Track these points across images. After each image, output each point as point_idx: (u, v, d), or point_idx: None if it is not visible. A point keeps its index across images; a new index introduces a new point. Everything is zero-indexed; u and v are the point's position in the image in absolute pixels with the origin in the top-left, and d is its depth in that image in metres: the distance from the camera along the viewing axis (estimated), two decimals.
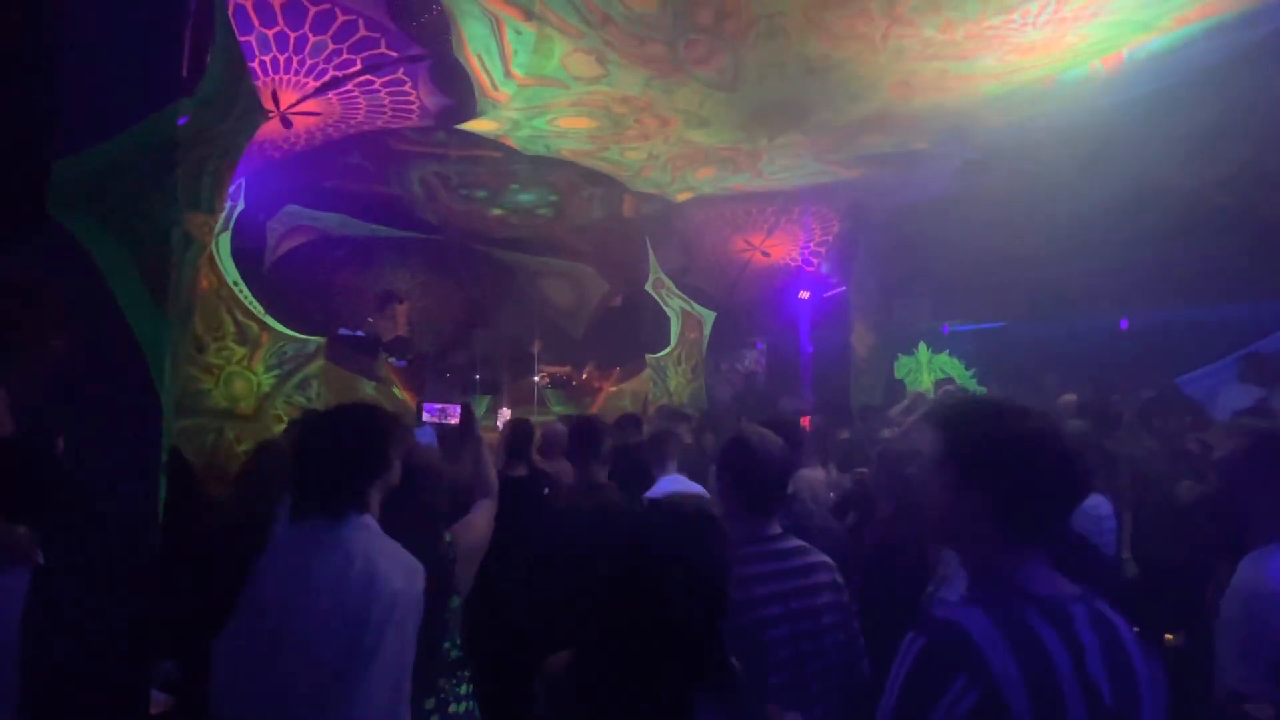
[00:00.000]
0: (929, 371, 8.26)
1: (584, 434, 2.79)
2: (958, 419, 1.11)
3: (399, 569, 1.49)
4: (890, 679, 0.97)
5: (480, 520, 2.00)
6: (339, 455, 1.57)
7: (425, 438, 2.71)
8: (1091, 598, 1.03)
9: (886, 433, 4.37)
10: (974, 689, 0.89)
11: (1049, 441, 1.03)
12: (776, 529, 1.69)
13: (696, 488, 2.90)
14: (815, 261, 8.13)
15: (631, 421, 4.23)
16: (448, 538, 1.86)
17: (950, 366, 8.16)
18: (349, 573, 1.44)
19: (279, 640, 1.43)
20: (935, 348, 8.37)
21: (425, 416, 2.27)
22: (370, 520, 1.56)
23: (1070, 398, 4.62)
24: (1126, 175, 5.56)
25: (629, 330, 8.94)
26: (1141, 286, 6.32)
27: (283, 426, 4.62)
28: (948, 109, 5.19)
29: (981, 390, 7.54)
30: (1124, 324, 6.90)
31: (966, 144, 5.80)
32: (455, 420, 2.26)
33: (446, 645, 1.80)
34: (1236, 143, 5.21)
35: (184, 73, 2.52)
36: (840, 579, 1.70)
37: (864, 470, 3.11)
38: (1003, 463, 1.03)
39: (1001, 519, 1.02)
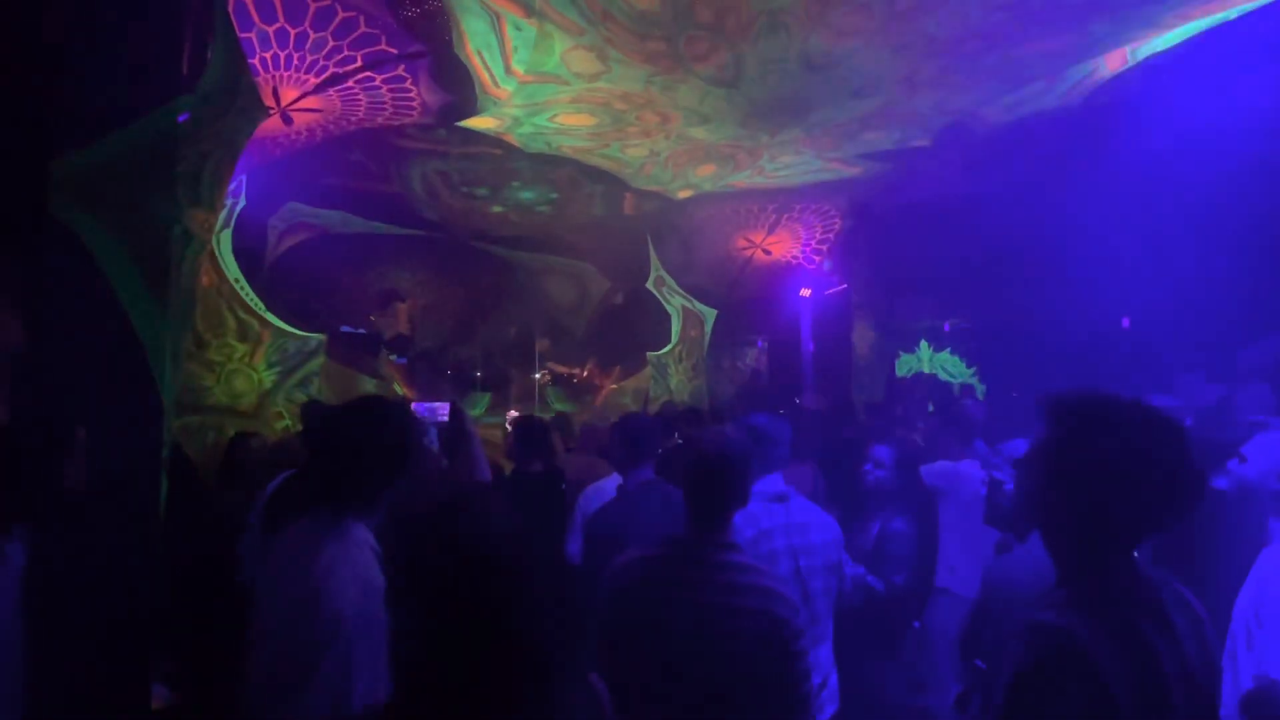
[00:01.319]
0: (930, 369, 8.26)
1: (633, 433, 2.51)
2: (1071, 416, 1.03)
3: (352, 589, 1.32)
4: (994, 684, 0.95)
5: None
6: (358, 453, 1.46)
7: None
8: (1168, 576, 1.04)
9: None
10: (1088, 701, 0.88)
11: (1171, 451, 0.96)
12: (724, 539, 1.54)
13: None
14: (817, 259, 8.13)
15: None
16: None
17: (951, 364, 8.16)
18: (305, 586, 1.33)
19: (260, 640, 1.38)
20: (937, 345, 8.37)
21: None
22: (359, 530, 1.43)
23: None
24: (1130, 172, 5.54)
25: (630, 328, 8.95)
26: (1146, 284, 6.30)
27: (284, 423, 4.63)
28: (950, 106, 5.18)
29: (981, 388, 7.54)
30: (1125, 322, 6.89)
31: (969, 141, 5.79)
32: (443, 419, 2.24)
33: None
34: (1243, 139, 5.19)
35: (184, 69, 2.52)
36: (784, 614, 1.45)
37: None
38: (1117, 475, 0.97)
39: (1106, 529, 0.99)
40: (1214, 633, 1.03)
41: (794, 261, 8.20)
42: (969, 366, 8.05)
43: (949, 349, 8.28)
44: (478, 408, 7.14)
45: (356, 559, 1.38)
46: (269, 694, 1.32)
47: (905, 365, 8.39)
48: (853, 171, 6.51)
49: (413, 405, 2.29)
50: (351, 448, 1.47)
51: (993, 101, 5.11)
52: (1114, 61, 4.63)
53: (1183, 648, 0.95)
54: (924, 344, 8.42)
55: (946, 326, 8.34)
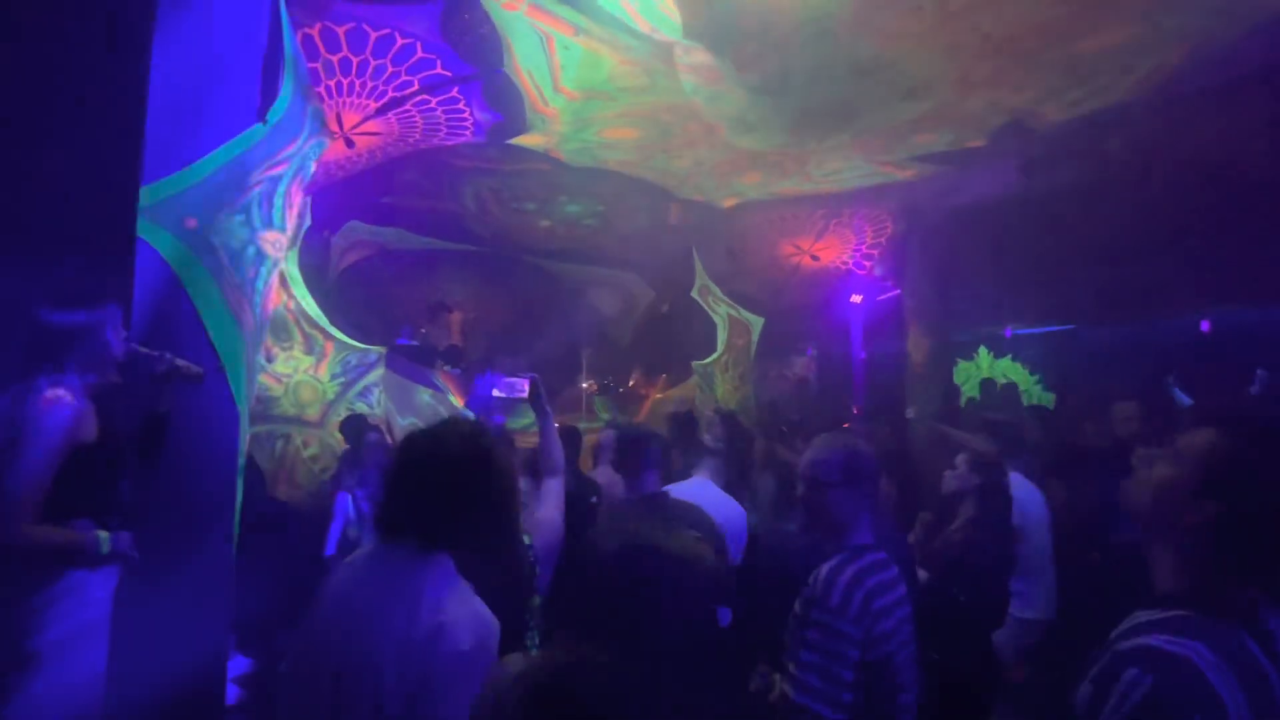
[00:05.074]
0: (991, 377, 7.94)
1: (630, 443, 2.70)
2: (1240, 439, 0.98)
3: (468, 625, 1.27)
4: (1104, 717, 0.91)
5: (551, 514, 1.96)
6: (450, 481, 1.38)
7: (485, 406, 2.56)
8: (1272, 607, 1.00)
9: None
10: None
11: None
12: (869, 539, 1.78)
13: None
14: (868, 265, 7.95)
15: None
16: (526, 539, 1.83)
17: (1013, 372, 7.81)
18: (416, 621, 1.26)
19: (338, 676, 1.28)
20: (997, 352, 8.04)
21: (496, 393, 2.30)
22: (447, 558, 1.36)
23: (1128, 406, 4.47)
24: (1202, 167, 5.22)
25: (676, 337, 8.94)
26: (1224, 285, 5.90)
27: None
28: (1006, 105, 5.00)
29: (1049, 397, 7.20)
30: (1205, 326, 6.45)
31: (1027, 139, 5.57)
32: (523, 395, 2.28)
33: (528, 641, 1.81)
34: None
35: (258, 101, 2.68)
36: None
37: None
38: None
39: (1257, 566, 0.95)
40: None
41: (844, 267, 8.05)
42: (1032, 374, 7.69)
43: (1010, 355, 7.93)
44: (527, 418, 7.26)
45: (465, 592, 1.35)
46: None
47: (963, 373, 8.09)
48: (904, 175, 6.36)
49: (494, 380, 2.31)
50: (455, 480, 1.38)
51: (1052, 99, 4.91)
52: (1181, 52, 4.39)
53: None
54: (983, 351, 8.10)
55: (1008, 332, 7.98)
